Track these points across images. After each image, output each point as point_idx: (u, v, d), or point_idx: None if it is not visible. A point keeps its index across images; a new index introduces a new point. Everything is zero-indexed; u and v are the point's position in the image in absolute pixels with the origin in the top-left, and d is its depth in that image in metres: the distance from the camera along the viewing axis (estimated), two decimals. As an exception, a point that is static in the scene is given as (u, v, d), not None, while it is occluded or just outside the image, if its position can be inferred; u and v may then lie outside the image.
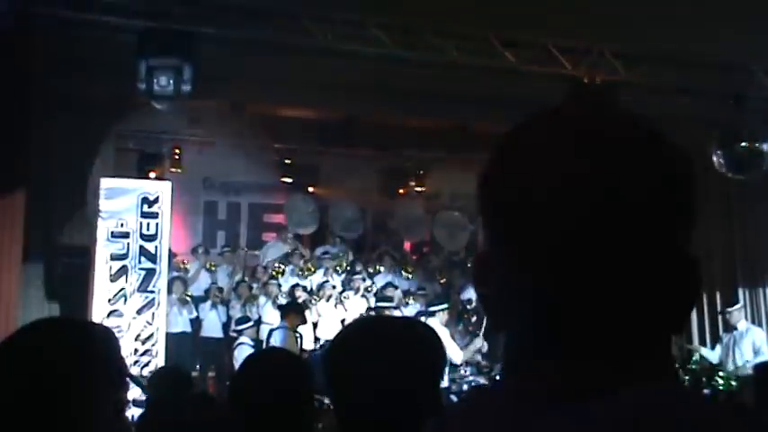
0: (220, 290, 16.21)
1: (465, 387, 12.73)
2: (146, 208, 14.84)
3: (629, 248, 1.03)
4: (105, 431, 2.13)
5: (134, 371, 14.33)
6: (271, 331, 13.71)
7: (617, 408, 0.98)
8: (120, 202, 14.75)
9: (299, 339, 13.61)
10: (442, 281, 18.37)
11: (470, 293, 17.55)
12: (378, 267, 18.20)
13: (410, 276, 18.41)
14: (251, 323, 14.24)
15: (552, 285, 1.03)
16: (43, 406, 2.00)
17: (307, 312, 15.40)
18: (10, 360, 2.08)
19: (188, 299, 15.69)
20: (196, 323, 15.84)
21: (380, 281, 17.60)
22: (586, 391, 1.00)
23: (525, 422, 1.01)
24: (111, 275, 14.57)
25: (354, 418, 2.08)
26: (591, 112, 1.16)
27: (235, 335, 14.35)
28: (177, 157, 18.04)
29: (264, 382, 3.03)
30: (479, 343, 13.60)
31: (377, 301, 15.67)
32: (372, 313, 15.22)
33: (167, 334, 14.90)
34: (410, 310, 15.88)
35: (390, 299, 15.72)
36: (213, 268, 16.86)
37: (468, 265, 19.04)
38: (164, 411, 5.17)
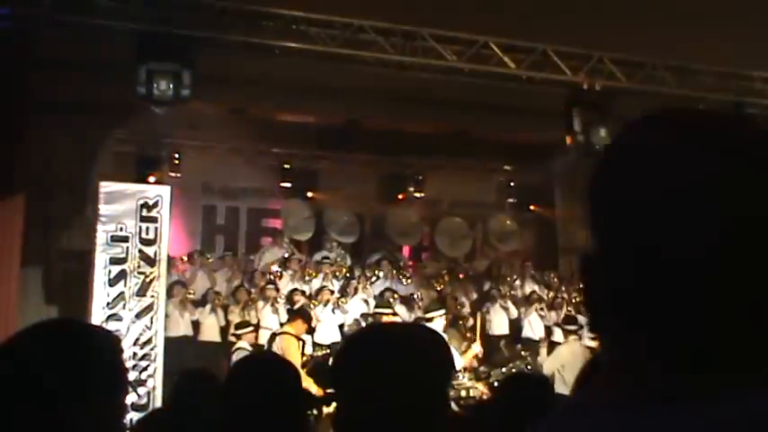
0: (218, 294, 16.19)
1: (463, 393, 12.70)
2: (145, 212, 14.81)
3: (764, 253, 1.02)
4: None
5: (133, 375, 14.33)
6: (273, 336, 13.69)
7: (746, 409, 0.99)
8: (120, 206, 14.72)
9: (301, 345, 13.60)
10: (438, 288, 18.34)
11: (464, 299, 17.58)
12: (376, 273, 18.19)
13: (408, 282, 18.40)
14: (250, 328, 14.23)
15: (679, 289, 1.03)
16: (43, 409, 2.00)
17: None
18: (10, 362, 2.08)
19: (191, 294, 15.68)
20: (196, 327, 15.82)
21: (378, 287, 17.59)
22: (712, 393, 1.00)
23: (652, 420, 1.02)
24: (110, 279, 14.54)
25: (362, 427, 2.08)
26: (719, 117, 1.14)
27: (234, 339, 14.34)
28: (176, 161, 18.05)
29: (253, 384, 3.04)
30: (477, 349, 13.60)
31: (375, 307, 15.67)
32: (370, 319, 15.23)
33: (167, 338, 14.88)
34: (407, 315, 15.87)
35: (389, 305, 15.72)
36: (210, 277, 16.83)
37: (470, 274, 19.08)
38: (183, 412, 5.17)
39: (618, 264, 1.06)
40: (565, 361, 13.12)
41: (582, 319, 16.30)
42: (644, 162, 1.08)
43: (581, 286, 1.16)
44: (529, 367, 13.57)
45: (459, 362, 13.04)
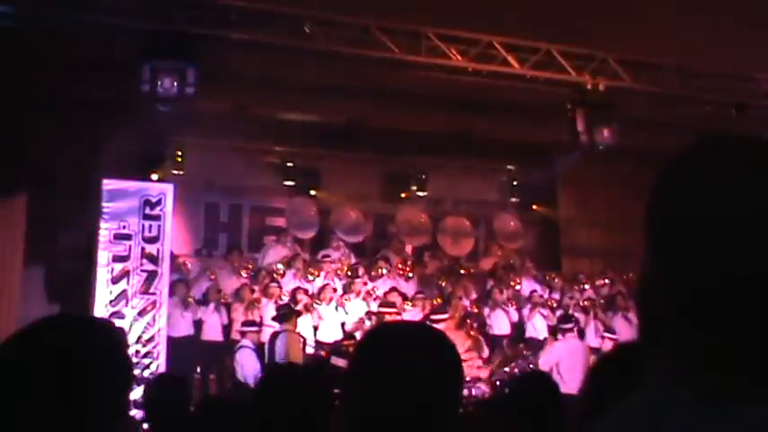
0: (221, 292, 16.14)
1: (465, 392, 12.71)
2: (148, 210, 14.84)
3: None
4: (111, 429, 2.13)
5: (135, 373, 14.32)
6: (275, 335, 13.68)
7: None
8: (123, 203, 14.75)
9: (302, 343, 13.61)
10: (442, 284, 18.34)
11: (465, 299, 17.57)
12: (380, 271, 18.18)
13: (412, 280, 18.40)
14: (256, 327, 14.20)
15: (751, 302, 1.06)
16: (48, 403, 2.00)
17: (308, 315, 15.40)
18: (16, 356, 2.07)
19: (191, 300, 15.66)
20: (198, 326, 15.79)
21: (381, 285, 17.58)
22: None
23: (719, 419, 1.04)
24: (112, 277, 14.58)
25: (375, 426, 2.07)
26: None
27: (239, 336, 14.33)
28: (179, 159, 18.05)
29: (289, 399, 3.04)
30: (485, 353, 13.67)
31: (379, 306, 15.66)
32: (374, 317, 15.23)
33: (169, 337, 14.89)
34: (410, 315, 15.85)
35: (393, 304, 15.72)
36: (213, 275, 16.79)
37: (472, 271, 19.08)
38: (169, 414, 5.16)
39: (687, 278, 1.08)
40: (560, 358, 13.15)
41: (578, 317, 16.38)
42: (719, 184, 1.11)
43: (637, 300, 1.18)
44: (531, 366, 13.55)
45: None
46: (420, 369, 2.08)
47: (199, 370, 15.67)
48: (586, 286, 18.27)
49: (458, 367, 2.19)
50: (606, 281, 18.77)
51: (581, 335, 15.67)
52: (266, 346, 13.96)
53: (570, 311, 16.48)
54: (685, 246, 1.10)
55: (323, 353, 14.35)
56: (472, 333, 14.68)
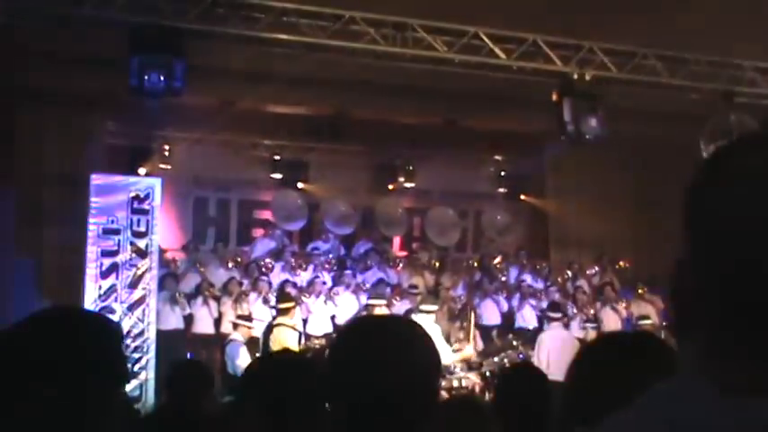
0: (212, 285, 16.15)
1: (455, 383, 12.73)
2: (136, 204, 14.81)
3: None
4: (106, 422, 2.14)
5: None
6: (270, 327, 13.68)
7: None
8: (111, 198, 14.73)
9: (299, 336, 13.62)
10: (432, 276, 18.40)
11: (460, 290, 17.61)
12: (368, 263, 18.23)
13: (399, 271, 18.44)
14: (249, 323, 14.17)
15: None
16: (43, 396, 2.02)
17: (297, 309, 15.40)
18: (10, 350, 2.09)
19: (180, 290, 15.67)
20: (188, 319, 15.80)
21: (370, 277, 17.62)
22: None
23: (744, 409, 1.06)
24: (101, 272, 14.56)
25: (356, 419, 2.10)
26: None
27: (230, 329, 14.30)
28: (167, 153, 18.04)
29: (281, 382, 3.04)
30: (470, 351, 13.69)
31: (369, 298, 15.69)
32: (364, 310, 15.26)
33: (159, 331, 14.89)
34: (400, 307, 15.88)
35: (382, 296, 15.76)
36: (202, 269, 16.78)
37: (462, 264, 19.10)
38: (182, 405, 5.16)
39: (717, 271, 1.11)
40: (547, 347, 13.19)
41: (567, 307, 16.44)
42: (755, 182, 1.13)
43: (671, 290, 1.20)
44: (521, 356, 13.58)
45: (451, 357, 13.08)
46: (394, 356, 2.11)
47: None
48: (572, 274, 18.33)
49: (434, 355, 2.23)
50: (596, 268, 18.81)
51: (567, 325, 15.76)
52: (261, 339, 13.95)
53: (558, 300, 16.51)
54: (721, 239, 1.13)
55: (317, 344, 14.37)
56: (464, 324, 14.70)
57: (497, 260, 18.91)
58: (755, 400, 1.05)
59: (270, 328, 13.59)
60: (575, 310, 16.67)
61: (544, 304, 16.74)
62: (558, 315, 14.58)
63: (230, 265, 17.25)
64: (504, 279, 18.24)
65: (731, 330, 1.11)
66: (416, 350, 2.18)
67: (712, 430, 1.05)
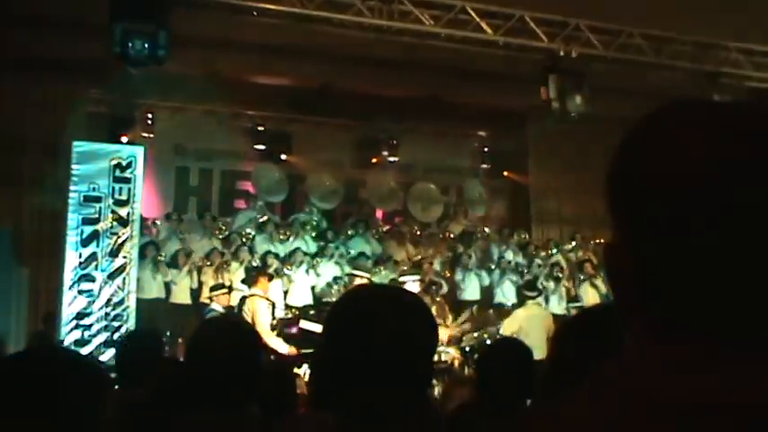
0: (189, 255, 16.08)
1: (435, 358, 12.75)
2: (118, 172, 14.76)
3: None
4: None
5: (104, 336, 14.32)
6: (244, 298, 13.67)
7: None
8: (93, 165, 14.67)
9: (272, 306, 13.59)
10: (414, 250, 18.42)
11: (438, 265, 17.63)
12: (349, 233, 18.25)
13: (382, 243, 18.45)
14: (224, 290, 14.17)
15: (703, 267, 1.06)
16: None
17: (279, 280, 15.40)
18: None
19: (162, 259, 15.62)
20: (168, 288, 15.76)
21: (353, 246, 17.64)
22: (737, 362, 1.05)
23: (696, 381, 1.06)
24: (82, 240, 14.52)
25: (353, 387, 2.09)
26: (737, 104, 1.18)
27: (208, 301, 14.29)
28: (149, 121, 17.95)
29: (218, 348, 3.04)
30: (449, 319, 13.74)
31: (352, 269, 15.70)
32: (345, 281, 15.29)
33: (139, 299, 14.87)
34: (381, 277, 15.88)
35: (365, 267, 15.78)
36: (183, 235, 16.71)
37: (441, 237, 19.11)
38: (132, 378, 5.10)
39: (645, 245, 1.09)
40: (522, 324, 13.20)
41: (544, 285, 16.48)
42: (670, 146, 1.13)
43: (606, 270, 1.20)
44: (500, 332, 13.61)
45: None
46: (394, 323, 2.11)
47: (168, 333, 15.65)
48: (554, 251, 18.34)
49: (432, 324, 2.24)
50: (573, 243, 18.82)
51: (546, 301, 15.84)
52: (235, 311, 13.94)
53: (537, 278, 16.53)
54: (642, 208, 1.12)
55: (291, 316, 14.36)
56: (437, 299, 14.70)
57: (479, 235, 18.93)
58: (705, 373, 1.05)
59: (243, 300, 13.58)
60: (554, 287, 16.72)
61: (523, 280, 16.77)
62: (534, 294, 14.61)
63: (214, 235, 17.18)
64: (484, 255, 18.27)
65: (670, 305, 1.10)
66: (416, 319, 2.18)
67: (666, 400, 1.05)
